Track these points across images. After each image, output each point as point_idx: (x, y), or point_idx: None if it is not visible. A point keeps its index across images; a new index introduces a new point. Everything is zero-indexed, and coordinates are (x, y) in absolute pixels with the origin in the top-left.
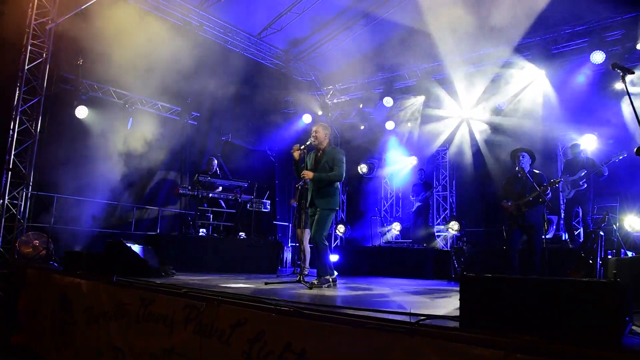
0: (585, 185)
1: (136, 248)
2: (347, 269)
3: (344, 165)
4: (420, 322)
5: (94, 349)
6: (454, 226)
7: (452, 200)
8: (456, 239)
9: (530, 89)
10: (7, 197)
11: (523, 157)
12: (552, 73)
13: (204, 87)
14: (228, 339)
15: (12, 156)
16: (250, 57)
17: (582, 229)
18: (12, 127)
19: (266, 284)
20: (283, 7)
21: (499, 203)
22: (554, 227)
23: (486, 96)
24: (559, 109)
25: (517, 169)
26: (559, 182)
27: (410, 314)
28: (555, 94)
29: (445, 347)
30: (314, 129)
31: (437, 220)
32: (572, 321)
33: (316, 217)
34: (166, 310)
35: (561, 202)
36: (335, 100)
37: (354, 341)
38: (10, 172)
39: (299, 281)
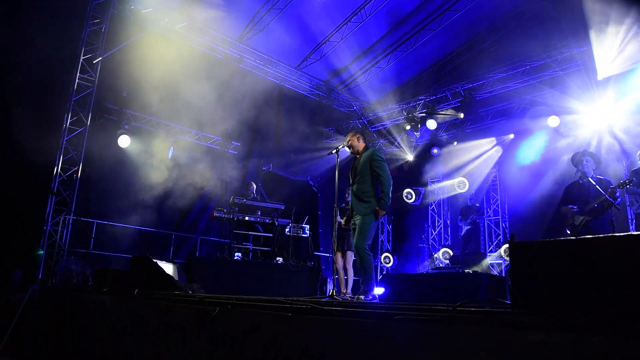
0: None
1: (164, 265)
2: (393, 299)
3: (386, 165)
4: (459, 308)
5: None
6: (508, 252)
7: (505, 225)
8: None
9: None
10: (50, 224)
11: (587, 161)
12: None
13: (245, 118)
14: (241, 346)
15: (57, 183)
16: (291, 88)
17: None
18: (58, 155)
19: (293, 301)
20: (321, 37)
21: (559, 211)
22: None
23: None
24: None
25: (577, 174)
26: (630, 182)
27: (447, 305)
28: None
29: (494, 335)
30: (347, 140)
31: (489, 247)
32: None
33: (358, 224)
34: (181, 320)
35: (629, 218)
36: (377, 128)
37: (381, 337)
38: (54, 198)
39: (331, 296)
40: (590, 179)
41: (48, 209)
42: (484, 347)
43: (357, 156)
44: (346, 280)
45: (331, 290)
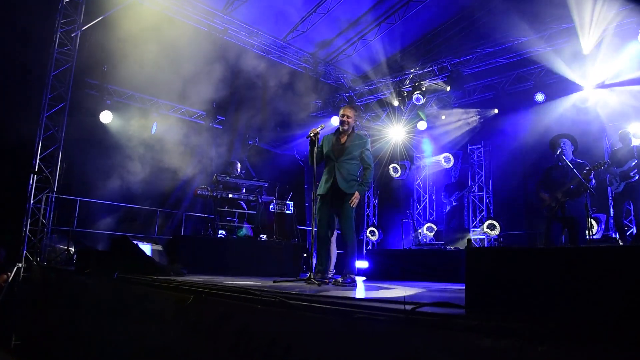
0: (637, 177)
1: (144, 246)
2: (377, 274)
3: (372, 156)
4: (417, 310)
5: (98, 348)
6: (492, 226)
7: (489, 201)
8: (494, 241)
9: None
10: (32, 201)
11: (564, 144)
12: None
13: (229, 91)
14: (215, 334)
15: (38, 161)
16: (277, 60)
17: (634, 227)
18: (38, 132)
19: (274, 282)
20: (308, 9)
21: (536, 196)
22: (603, 226)
23: None
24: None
25: (555, 156)
26: (604, 164)
27: (405, 303)
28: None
29: (447, 338)
30: (342, 112)
31: (473, 222)
32: (615, 302)
33: (343, 206)
34: (158, 306)
35: (610, 198)
36: (364, 102)
37: (342, 334)
38: (35, 176)
39: (309, 279)
40: (568, 161)
41: (30, 187)
42: (438, 349)
43: (343, 135)
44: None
45: (309, 274)
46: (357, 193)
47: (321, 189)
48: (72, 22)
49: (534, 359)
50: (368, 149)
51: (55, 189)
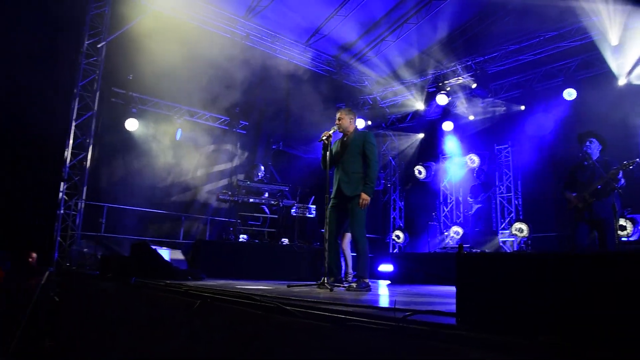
0: None
1: (163, 252)
2: (402, 278)
3: (377, 150)
4: (408, 318)
5: (114, 352)
6: (521, 229)
7: (518, 202)
8: (523, 244)
9: None
10: (62, 208)
11: (591, 143)
12: None
13: (253, 96)
14: (218, 338)
15: (67, 168)
16: (300, 64)
17: None
18: (67, 141)
19: (288, 286)
20: (329, 12)
21: (563, 195)
22: None
23: None
24: None
25: (580, 154)
26: (632, 164)
27: (396, 309)
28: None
29: (433, 349)
30: (337, 115)
31: (501, 224)
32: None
33: (351, 209)
34: (167, 312)
35: None
36: (389, 103)
37: (335, 340)
38: (65, 184)
39: (321, 284)
40: (594, 160)
41: (60, 194)
42: (426, 358)
43: (345, 136)
44: (345, 261)
45: (322, 278)
46: (363, 194)
47: (332, 192)
48: (98, 33)
49: None
50: (370, 142)
51: (84, 196)
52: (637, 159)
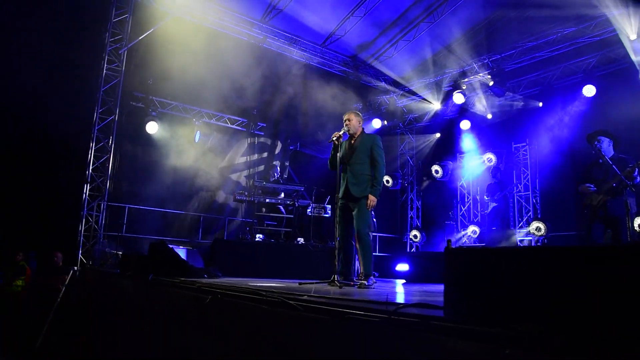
0: None
1: (180, 250)
2: (417, 277)
3: (383, 153)
4: (399, 311)
5: (134, 347)
6: (539, 229)
7: (536, 200)
8: (541, 242)
9: None
10: (86, 209)
11: (601, 142)
12: None
13: (270, 98)
14: (227, 335)
15: (90, 171)
16: (317, 65)
17: None
18: (90, 145)
19: (300, 284)
20: (345, 13)
21: (578, 190)
22: None
23: None
24: None
25: (594, 153)
26: None
27: (388, 303)
28: None
29: (423, 340)
30: (345, 117)
31: (519, 223)
32: (592, 307)
33: (357, 208)
34: (181, 307)
35: None
36: (405, 103)
37: (334, 333)
38: (88, 186)
39: (332, 281)
40: (607, 158)
41: (84, 195)
42: (415, 349)
43: (353, 138)
44: (360, 261)
45: (332, 276)
46: (370, 196)
47: (340, 193)
48: (119, 40)
49: None
50: (378, 146)
51: (106, 197)
52: None
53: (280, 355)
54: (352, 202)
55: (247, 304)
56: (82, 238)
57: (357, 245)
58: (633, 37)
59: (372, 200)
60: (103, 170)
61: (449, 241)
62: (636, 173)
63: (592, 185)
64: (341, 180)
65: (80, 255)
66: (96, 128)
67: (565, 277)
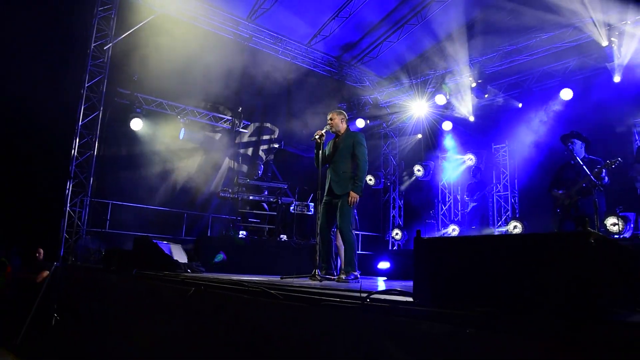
0: None
1: (164, 245)
2: (399, 274)
3: (366, 151)
4: (372, 297)
5: (119, 340)
6: (515, 228)
7: (515, 200)
8: None
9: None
10: (69, 205)
11: (574, 144)
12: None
13: (256, 97)
14: (210, 323)
15: (74, 167)
16: (302, 65)
17: None
18: (74, 140)
19: (282, 278)
20: (330, 13)
21: (550, 194)
22: (632, 225)
23: None
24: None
25: (566, 154)
26: (615, 163)
27: (361, 292)
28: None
29: (394, 323)
30: (328, 116)
31: (498, 222)
32: (542, 287)
33: (340, 205)
34: (166, 298)
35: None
36: (389, 103)
37: (311, 319)
38: (71, 182)
39: (313, 275)
40: (579, 159)
41: (67, 191)
42: (387, 332)
43: (337, 137)
44: (341, 258)
45: (314, 271)
46: (352, 193)
47: (325, 190)
48: (104, 35)
49: (463, 341)
50: (360, 143)
51: (89, 193)
52: (619, 158)
53: (260, 340)
54: (334, 199)
55: (229, 294)
56: (64, 234)
57: (337, 242)
58: (605, 43)
59: (353, 197)
60: (87, 166)
61: (418, 231)
62: (604, 174)
63: (561, 190)
64: (325, 178)
65: (62, 252)
66: (80, 124)
67: (517, 262)
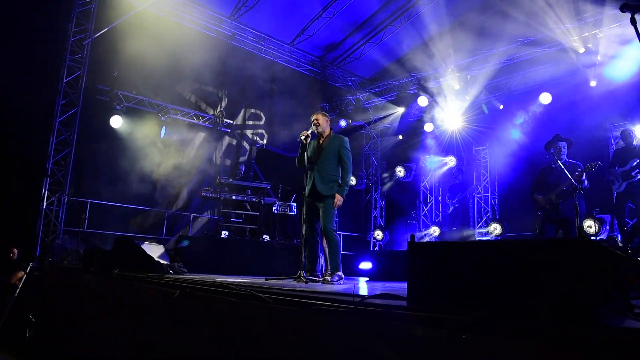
0: (639, 177)
1: (145, 246)
2: (380, 275)
3: (351, 155)
4: (364, 301)
5: (99, 339)
6: (495, 229)
7: (495, 202)
8: None
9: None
10: (45, 203)
11: (563, 147)
12: None
13: (238, 95)
14: (196, 325)
15: (51, 164)
16: (285, 64)
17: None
18: (50, 137)
19: (266, 279)
20: (314, 13)
21: (532, 197)
22: (608, 227)
23: None
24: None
25: (549, 157)
26: (594, 166)
27: (354, 295)
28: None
29: (388, 328)
30: (313, 117)
31: (478, 224)
32: (536, 292)
33: (323, 206)
34: (150, 300)
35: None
36: (371, 104)
37: (301, 323)
38: (48, 180)
39: (298, 277)
40: (560, 163)
41: (43, 189)
42: (380, 336)
43: (321, 138)
44: (325, 258)
45: (299, 272)
46: (337, 195)
47: (307, 191)
48: (83, 30)
49: (458, 346)
50: (346, 148)
51: (67, 192)
52: (599, 162)
53: (250, 345)
54: (318, 200)
55: (216, 297)
56: (40, 233)
57: (324, 244)
58: (581, 50)
59: (338, 199)
60: (64, 164)
61: (412, 235)
62: (584, 177)
63: (541, 194)
64: (308, 179)
65: (38, 251)
66: (57, 120)
67: (512, 267)
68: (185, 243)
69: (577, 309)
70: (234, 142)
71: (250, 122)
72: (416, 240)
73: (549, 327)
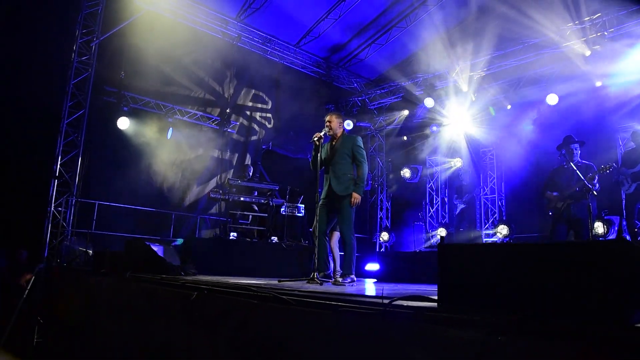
0: None
1: (156, 248)
2: (388, 276)
3: (365, 153)
4: (394, 303)
5: (112, 342)
6: (502, 230)
7: (502, 203)
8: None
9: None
10: (53, 205)
11: (575, 149)
12: None
13: (244, 97)
14: (215, 328)
15: (59, 166)
16: (290, 65)
17: None
18: (58, 139)
19: (279, 281)
20: (319, 15)
21: (544, 196)
22: (616, 227)
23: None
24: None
25: (560, 157)
26: (609, 168)
27: (383, 297)
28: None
29: (418, 330)
30: (327, 118)
31: (485, 225)
32: (570, 295)
33: (341, 208)
34: (165, 302)
35: (623, 200)
36: (377, 106)
37: (327, 325)
38: (56, 181)
39: (311, 279)
40: (573, 164)
41: (51, 191)
42: (411, 338)
43: (334, 140)
44: (334, 259)
45: (312, 274)
46: (354, 194)
47: (322, 192)
48: (90, 32)
49: (494, 348)
50: (359, 146)
51: (75, 193)
52: (614, 164)
53: (273, 349)
54: (335, 201)
55: (236, 299)
56: (49, 235)
57: (331, 244)
58: (587, 53)
59: (356, 197)
60: (72, 166)
61: (442, 237)
62: (596, 180)
63: (555, 192)
64: (324, 181)
65: (46, 253)
66: (65, 122)
67: (548, 269)
68: (179, 241)
69: (614, 310)
70: (241, 142)
71: (256, 124)
72: (424, 241)
73: (586, 329)
